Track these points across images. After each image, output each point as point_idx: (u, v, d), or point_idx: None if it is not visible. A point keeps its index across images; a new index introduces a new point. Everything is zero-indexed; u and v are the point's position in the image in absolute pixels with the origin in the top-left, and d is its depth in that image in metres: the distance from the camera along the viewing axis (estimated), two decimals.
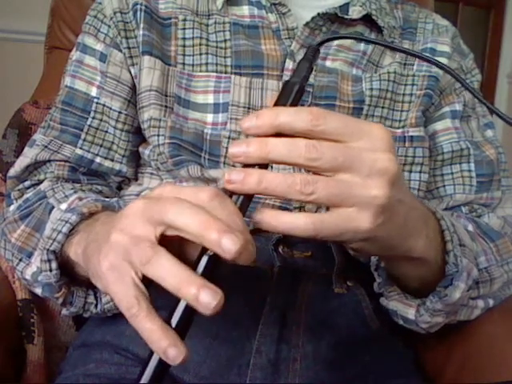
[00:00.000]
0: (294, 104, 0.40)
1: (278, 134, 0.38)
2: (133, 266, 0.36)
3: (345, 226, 0.38)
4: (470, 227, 0.62)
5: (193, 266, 0.36)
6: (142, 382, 0.35)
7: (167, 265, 0.34)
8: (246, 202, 0.38)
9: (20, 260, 0.60)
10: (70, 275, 0.54)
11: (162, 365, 0.35)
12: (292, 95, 0.40)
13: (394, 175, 0.38)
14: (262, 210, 0.37)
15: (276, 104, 0.40)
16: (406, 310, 0.56)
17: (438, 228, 0.51)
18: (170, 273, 0.34)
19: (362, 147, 0.38)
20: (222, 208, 0.35)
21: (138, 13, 0.64)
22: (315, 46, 0.42)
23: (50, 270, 0.52)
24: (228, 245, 0.33)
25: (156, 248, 0.35)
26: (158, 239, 0.36)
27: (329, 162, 0.37)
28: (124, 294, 0.35)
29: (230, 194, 0.38)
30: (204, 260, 0.36)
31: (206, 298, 0.33)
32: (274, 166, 0.62)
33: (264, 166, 0.38)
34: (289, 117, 0.37)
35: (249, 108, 0.63)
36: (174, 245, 0.37)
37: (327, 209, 0.64)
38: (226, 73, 0.64)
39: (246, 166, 0.38)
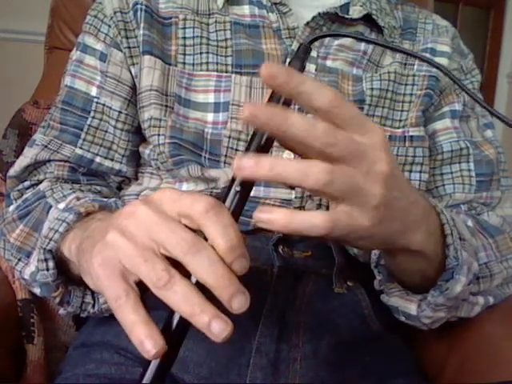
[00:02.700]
0: (287, 103, 0.39)
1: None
2: (128, 271, 0.36)
3: (353, 225, 0.38)
4: (470, 222, 0.62)
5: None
6: (143, 382, 0.35)
7: (182, 291, 0.34)
8: (241, 204, 0.38)
9: (19, 260, 0.60)
10: (67, 274, 0.54)
11: (164, 365, 0.35)
12: None
13: (388, 175, 0.38)
14: (272, 208, 0.37)
15: (268, 102, 0.39)
16: (407, 305, 0.56)
17: (438, 222, 0.51)
18: (184, 300, 0.34)
19: (366, 143, 0.38)
20: (217, 221, 0.35)
21: (139, 12, 0.64)
22: (306, 44, 0.41)
23: (47, 270, 0.52)
24: (238, 305, 0.34)
25: (171, 272, 0.35)
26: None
27: (342, 151, 0.36)
28: (114, 286, 0.35)
29: (224, 197, 0.37)
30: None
31: (217, 328, 0.33)
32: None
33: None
34: (312, 88, 0.36)
35: None
36: None
37: (327, 208, 0.64)
38: (226, 72, 0.64)
39: (247, 149, 0.37)
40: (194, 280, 0.35)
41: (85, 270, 0.42)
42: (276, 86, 0.36)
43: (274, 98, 0.39)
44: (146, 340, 0.33)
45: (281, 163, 0.35)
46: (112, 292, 0.35)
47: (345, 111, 0.37)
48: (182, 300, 0.34)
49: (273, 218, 0.36)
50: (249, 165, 0.35)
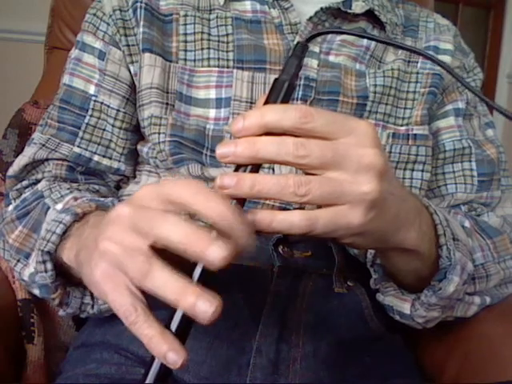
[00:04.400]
0: (285, 102, 0.39)
1: (269, 134, 0.38)
2: (128, 276, 0.36)
3: (338, 222, 0.39)
4: (467, 223, 0.62)
5: (190, 269, 0.36)
6: (146, 382, 0.35)
7: (163, 278, 0.34)
8: (241, 203, 0.38)
9: (18, 261, 0.60)
10: (66, 276, 0.54)
11: (167, 365, 0.35)
12: (282, 93, 0.39)
13: (381, 169, 0.39)
14: (256, 210, 0.38)
15: (266, 102, 0.40)
16: (401, 304, 0.56)
17: (431, 222, 0.51)
18: (167, 285, 0.34)
19: (349, 143, 0.38)
20: (205, 200, 0.35)
21: (138, 10, 0.64)
22: (303, 42, 0.41)
23: (46, 271, 0.52)
24: (214, 254, 0.33)
25: (151, 261, 0.35)
26: (150, 249, 0.36)
27: (317, 159, 0.37)
28: (121, 303, 0.35)
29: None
30: (199, 268, 0.36)
31: (203, 306, 0.33)
32: (274, 167, 0.62)
33: (256, 166, 0.38)
34: (276, 115, 0.37)
35: (251, 103, 0.63)
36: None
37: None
38: (228, 67, 0.64)
39: (238, 166, 0.38)
40: (198, 270, 0.35)
41: (88, 282, 0.42)
42: (245, 136, 0.38)
43: (272, 96, 0.40)
44: (169, 353, 0.34)
45: (261, 180, 0.37)
46: (120, 308, 0.35)
47: (319, 121, 0.37)
48: (164, 286, 0.34)
49: (257, 218, 0.38)
50: (230, 183, 0.36)
